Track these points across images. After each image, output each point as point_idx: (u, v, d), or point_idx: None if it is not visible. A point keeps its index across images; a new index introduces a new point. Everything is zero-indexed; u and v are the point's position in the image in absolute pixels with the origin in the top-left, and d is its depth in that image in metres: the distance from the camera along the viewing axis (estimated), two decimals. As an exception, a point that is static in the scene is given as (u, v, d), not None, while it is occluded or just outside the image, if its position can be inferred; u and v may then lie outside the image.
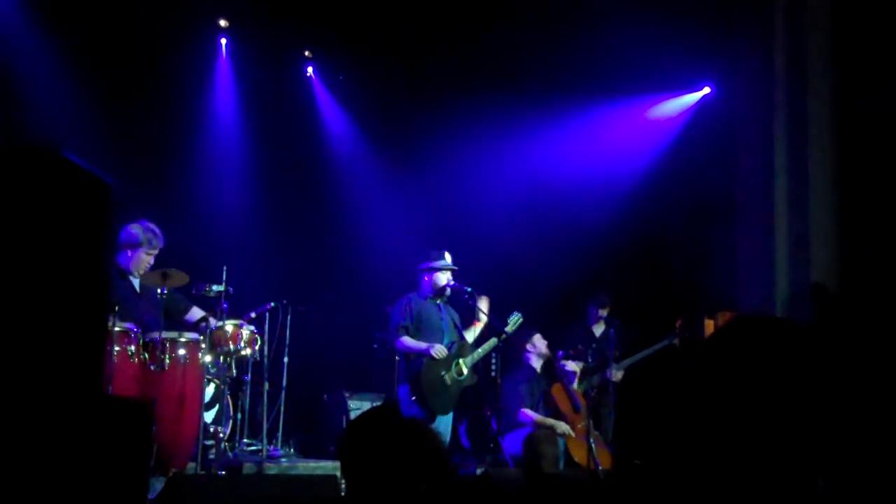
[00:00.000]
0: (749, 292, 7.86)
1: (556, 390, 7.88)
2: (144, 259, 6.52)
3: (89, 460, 3.12)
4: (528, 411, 7.77)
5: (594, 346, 8.18)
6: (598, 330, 8.58)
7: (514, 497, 4.75)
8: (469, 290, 7.12)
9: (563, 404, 7.87)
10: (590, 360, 7.83)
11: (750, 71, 7.73)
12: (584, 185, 9.39)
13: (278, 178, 9.30)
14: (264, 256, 8.90)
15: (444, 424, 6.92)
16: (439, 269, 7.18)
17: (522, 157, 9.57)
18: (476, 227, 9.38)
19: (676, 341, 8.20)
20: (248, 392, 7.27)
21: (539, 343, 7.90)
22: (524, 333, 7.82)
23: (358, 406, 8.27)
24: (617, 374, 8.13)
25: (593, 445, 7.22)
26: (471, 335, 7.17)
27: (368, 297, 8.91)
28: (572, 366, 8.00)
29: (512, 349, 7.63)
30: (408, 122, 9.57)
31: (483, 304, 7.08)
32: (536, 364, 7.92)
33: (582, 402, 7.88)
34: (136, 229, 6.46)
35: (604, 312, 8.52)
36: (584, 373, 8.05)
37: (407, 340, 7.05)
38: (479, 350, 7.14)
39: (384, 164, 9.83)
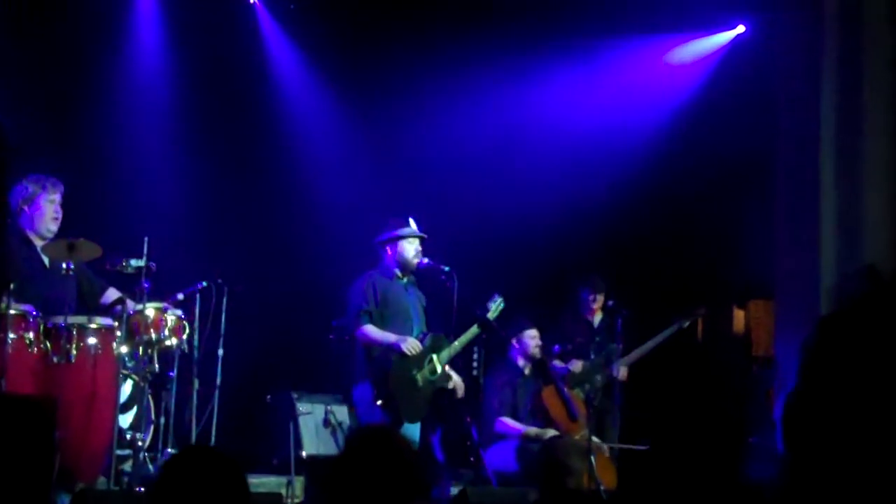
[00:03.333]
0: (786, 277, 7.98)
1: (549, 395, 7.96)
2: (48, 210, 6.57)
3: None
4: (509, 421, 7.90)
5: (597, 339, 8.39)
6: (596, 320, 8.72)
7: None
8: (447, 269, 7.19)
9: (557, 411, 7.96)
10: (592, 357, 8.01)
11: (794, 8, 7.81)
12: (585, 144, 9.44)
13: (213, 129, 9.33)
14: (194, 225, 8.92)
15: (411, 433, 7.00)
16: (404, 238, 7.22)
17: (509, 107, 9.55)
18: (452, 191, 9.47)
19: (686, 323, 8.42)
20: (174, 391, 7.31)
21: (529, 341, 8.01)
22: (516, 324, 7.96)
23: (309, 409, 8.30)
24: (622, 373, 8.29)
25: (594, 461, 7.35)
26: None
27: (323, 275, 8.93)
28: (577, 365, 8.20)
29: (496, 341, 7.75)
30: (372, 62, 9.57)
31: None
32: (523, 362, 8.04)
33: (581, 408, 8.03)
34: (25, 182, 6.53)
35: (599, 299, 8.66)
36: (585, 373, 8.24)
37: (370, 329, 7.10)
38: (457, 343, 7.22)
39: (343, 114, 9.87)
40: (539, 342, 8.02)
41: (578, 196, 9.35)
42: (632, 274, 9.13)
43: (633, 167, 9.32)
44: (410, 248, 7.22)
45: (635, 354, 8.39)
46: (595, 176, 9.39)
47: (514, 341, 8.02)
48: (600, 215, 9.44)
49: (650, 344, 8.43)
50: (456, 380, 7.30)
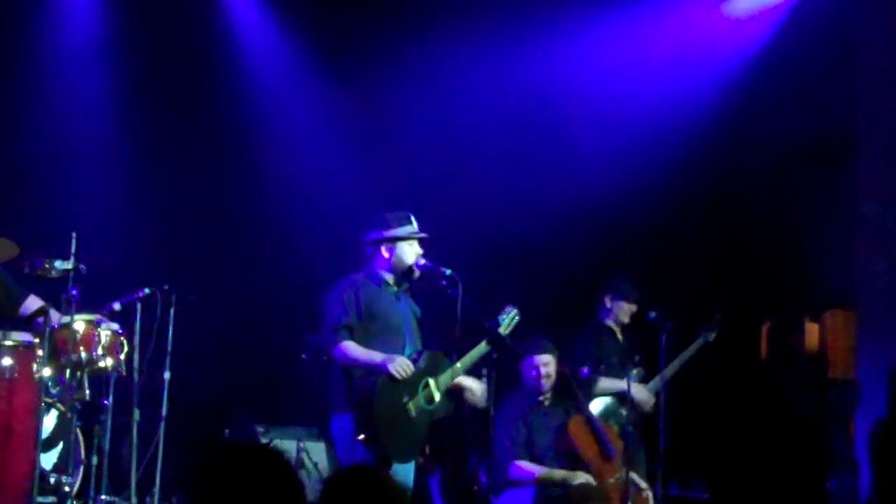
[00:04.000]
0: (870, 282, 7.99)
1: (577, 427, 7.96)
2: None
3: None
4: (526, 464, 7.87)
5: (636, 358, 8.51)
6: (620, 333, 8.84)
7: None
8: (448, 272, 7.10)
9: (587, 448, 7.94)
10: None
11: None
12: (619, 118, 9.51)
13: (160, 106, 9.41)
14: (135, 219, 8.98)
15: (403, 477, 6.92)
16: (404, 239, 7.19)
17: (526, 70, 9.53)
18: (453, 179, 9.53)
19: (712, 336, 8.51)
20: (109, 424, 7.33)
21: (531, 371, 8.03)
22: (531, 343, 7.95)
23: (277, 447, 8.15)
24: (647, 400, 8.46)
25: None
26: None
27: (295, 281, 8.95)
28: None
29: (510, 361, 7.67)
30: (351, 17, 9.63)
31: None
32: (543, 385, 8.05)
33: (616, 444, 8.02)
34: None
35: (629, 309, 8.77)
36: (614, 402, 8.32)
37: (351, 347, 7.01)
38: (459, 364, 7.16)
39: (320, 86, 9.94)
40: (549, 371, 8.03)
41: (609, 183, 9.39)
42: (674, 280, 9.20)
43: (680, 147, 9.37)
44: (411, 252, 7.17)
45: (666, 373, 8.38)
46: (630, 158, 9.45)
47: (521, 366, 8.05)
48: (634, 207, 9.48)
49: (676, 364, 8.51)
50: (474, 386, 7.24)
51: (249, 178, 9.72)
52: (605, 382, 8.43)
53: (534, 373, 8.01)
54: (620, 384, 8.24)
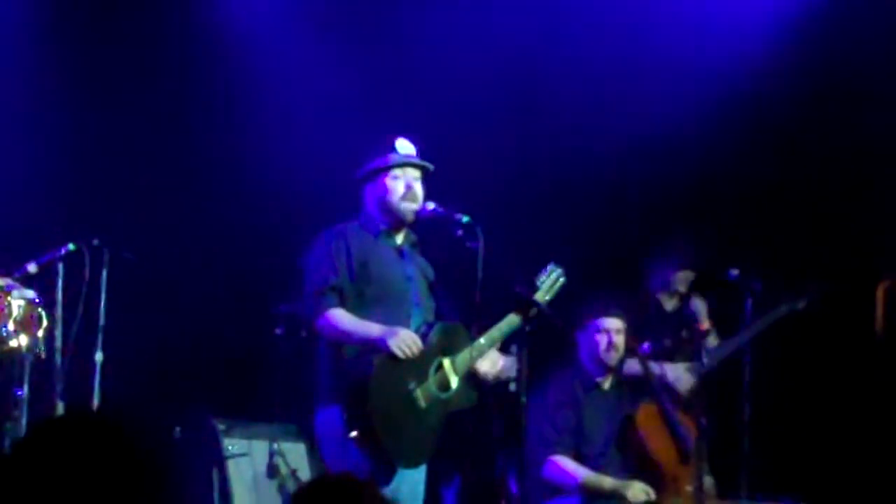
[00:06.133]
0: None
1: (648, 418, 7.97)
2: None
3: None
4: (567, 462, 7.82)
5: (684, 333, 8.52)
6: (670, 305, 8.95)
7: None
8: (464, 218, 6.89)
9: (661, 446, 7.93)
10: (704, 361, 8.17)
11: None
12: (657, 53, 9.54)
13: (83, 17, 9.36)
14: (55, 158, 8.92)
15: (410, 486, 6.79)
16: (392, 167, 6.98)
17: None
18: (468, 115, 9.46)
19: (802, 305, 8.51)
20: (25, 420, 7.21)
21: (602, 336, 7.99)
22: (589, 307, 7.98)
23: (243, 449, 8.20)
24: (686, 380, 8.44)
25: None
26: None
27: (266, 236, 9.03)
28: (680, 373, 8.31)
29: (551, 335, 7.47)
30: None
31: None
32: (598, 369, 8.06)
33: (694, 437, 7.99)
34: None
35: (685, 277, 8.84)
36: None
37: (339, 316, 6.78)
38: (483, 340, 6.91)
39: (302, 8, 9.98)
40: (619, 341, 8.00)
41: (658, 119, 9.34)
42: (766, 234, 9.34)
43: (721, 91, 9.40)
44: (398, 186, 6.92)
45: (718, 353, 8.46)
46: (671, 96, 9.41)
47: (580, 335, 8.02)
48: (716, 144, 9.45)
49: (740, 338, 8.50)
50: (497, 359, 6.99)
51: (205, 101, 9.55)
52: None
53: (601, 340, 7.96)
54: (668, 368, 8.39)
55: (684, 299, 8.85)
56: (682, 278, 8.75)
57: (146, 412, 8.47)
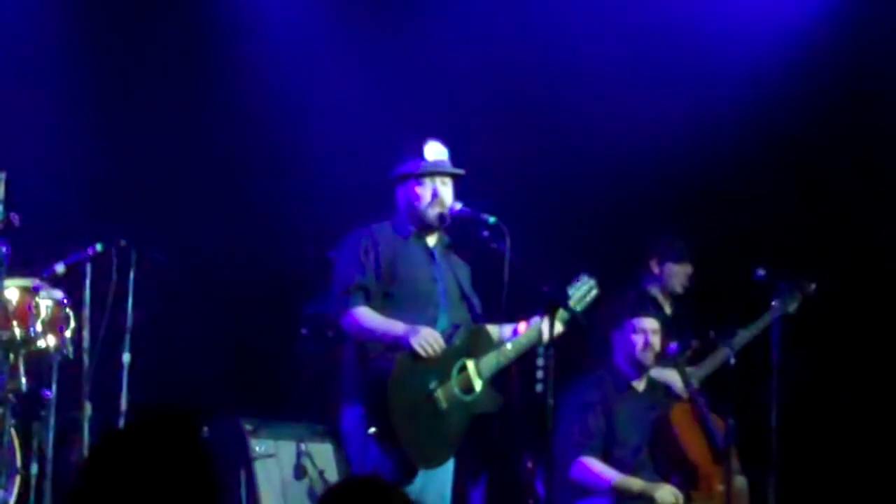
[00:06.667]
0: None
1: (682, 417, 7.97)
2: None
3: None
4: (595, 464, 7.77)
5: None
6: (667, 304, 8.89)
7: None
8: (491, 219, 6.89)
9: (694, 444, 7.93)
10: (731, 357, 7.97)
11: None
12: (682, 55, 9.57)
13: (113, 15, 9.35)
14: (84, 156, 8.88)
15: (436, 487, 6.83)
16: (420, 175, 7.00)
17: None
18: (494, 112, 9.54)
19: (793, 307, 8.46)
20: (52, 421, 7.17)
21: (639, 337, 7.92)
22: (626, 305, 7.96)
23: (271, 450, 8.16)
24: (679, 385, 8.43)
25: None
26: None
27: (294, 238, 9.04)
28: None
29: (582, 339, 7.60)
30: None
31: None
32: (647, 359, 7.98)
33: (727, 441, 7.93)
34: None
35: (679, 273, 8.79)
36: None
37: (365, 314, 6.83)
38: (510, 346, 6.96)
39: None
40: (655, 341, 7.93)
41: (680, 121, 9.38)
42: (778, 229, 9.30)
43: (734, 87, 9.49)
44: (426, 193, 6.95)
45: (708, 367, 8.36)
46: (687, 88, 9.50)
47: (615, 335, 7.94)
48: (715, 149, 9.48)
49: (737, 340, 8.35)
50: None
51: (235, 103, 9.56)
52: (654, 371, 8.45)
53: (639, 340, 7.91)
54: (663, 372, 8.28)
55: (678, 305, 8.82)
56: (680, 274, 8.72)
57: (177, 413, 8.74)
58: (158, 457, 3.02)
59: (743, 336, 8.33)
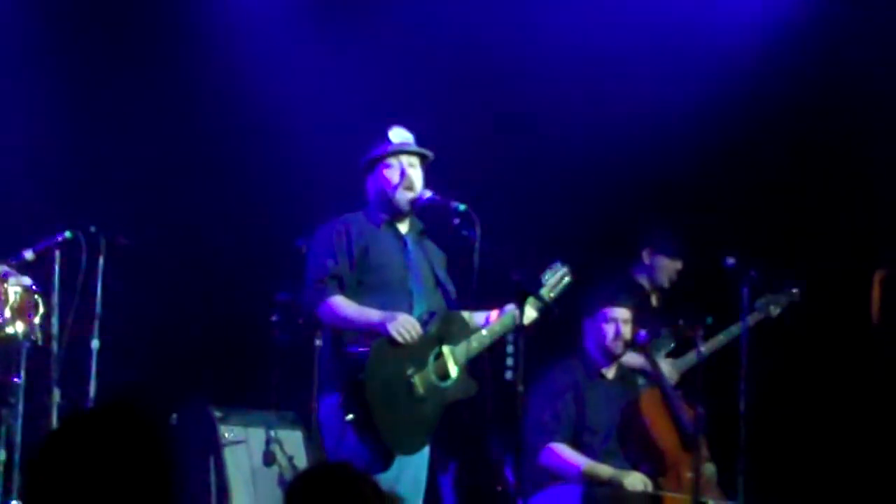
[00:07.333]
0: None
1: (651, 404, 7.98)
2: None
3: None
4: (564, 450, 7.80)
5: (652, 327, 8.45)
6: (654, 295, 8.95)
7: None
8: (461, 207, 6.91)
9: (664, 433, 7.93)
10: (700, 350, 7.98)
11: None
12: (661, 44, 9.59)
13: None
14: (51, 142, 8.88)
15: (411, 473, 6.81)
16: (387, 156, 7.02)
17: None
18: (470, 95, 9.59)
19: (778, 310, 8.55)
20: (21, 408, 7.22)
21: (609, 326, 7.94)
22: (600, 295, 7.95)
23: (240, 436, 8.18)
24: (670, 373, 8.49)
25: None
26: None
27: (264, 224, 9.07)
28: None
29: (554, 326, 7.42)
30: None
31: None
32: (618, 348, 8.00)
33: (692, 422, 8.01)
34: None
35: (668, 267, 8.85)
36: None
37: (340, 303, 6.85)
38: (485, 332, 6.98)
39: None
40: (627, 330, 7.95)
41: (660, 108, 9.42)
42: (757, 221, 9.32)
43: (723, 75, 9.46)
44: (393, 174, 6.97)
45: (689, 359, 8.43)
46: (671, 79, 9.52)
47: (587, 323, 7.98)
48: (694, 139, 9.45)
49: (714, 343, 8.46)
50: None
51: (203, 87, 9.52)
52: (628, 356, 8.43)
53: (609, 329, 7.93)
54: (639, 359, 8.31)
55: (664, 298, 8.86)
56: (668, 268, 8.76)
57: (143, 399, 8.72)
58: (114, 442, 3.00)
59: (720, 340, 8.42)
